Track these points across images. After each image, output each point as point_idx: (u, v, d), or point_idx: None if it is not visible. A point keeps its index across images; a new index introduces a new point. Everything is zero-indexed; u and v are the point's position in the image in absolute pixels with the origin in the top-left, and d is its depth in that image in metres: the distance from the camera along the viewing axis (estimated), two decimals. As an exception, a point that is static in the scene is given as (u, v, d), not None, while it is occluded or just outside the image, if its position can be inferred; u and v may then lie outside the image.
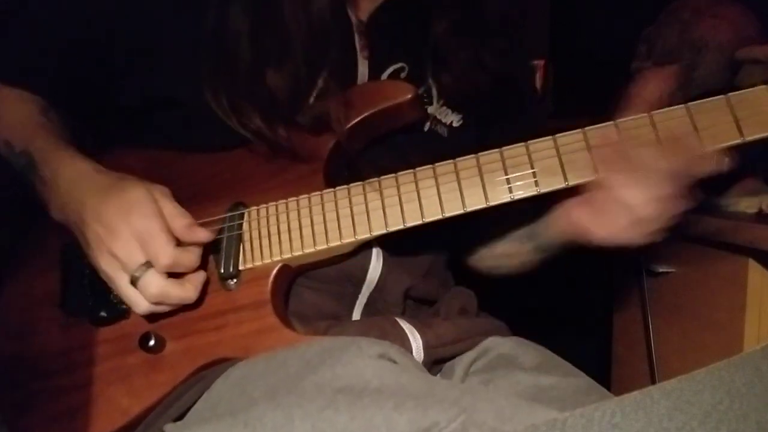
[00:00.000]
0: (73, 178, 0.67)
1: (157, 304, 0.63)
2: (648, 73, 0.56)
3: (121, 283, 0.62)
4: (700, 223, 1.05)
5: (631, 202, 0.61)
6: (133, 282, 0.61)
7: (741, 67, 1.19)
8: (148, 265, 0.61)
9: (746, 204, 1.08)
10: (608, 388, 0.69)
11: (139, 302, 0.62)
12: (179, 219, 0.63)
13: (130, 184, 0.64)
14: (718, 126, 0.58)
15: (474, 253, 0.89)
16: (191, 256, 0.63)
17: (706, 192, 1.15)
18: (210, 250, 0.68)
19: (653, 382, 1.19)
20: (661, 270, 1.17)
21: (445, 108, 0.78)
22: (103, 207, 0.63)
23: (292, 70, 0.67)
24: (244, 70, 0.68)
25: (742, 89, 0.59)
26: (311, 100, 0.69)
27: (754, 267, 0.98)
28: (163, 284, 0.61)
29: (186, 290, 0.63)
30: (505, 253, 0.87)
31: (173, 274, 0.63)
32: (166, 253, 0.61)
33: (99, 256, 0.63)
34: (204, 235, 0.64)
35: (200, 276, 0.65)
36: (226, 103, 0.68)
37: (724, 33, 1.25)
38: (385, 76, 0.75)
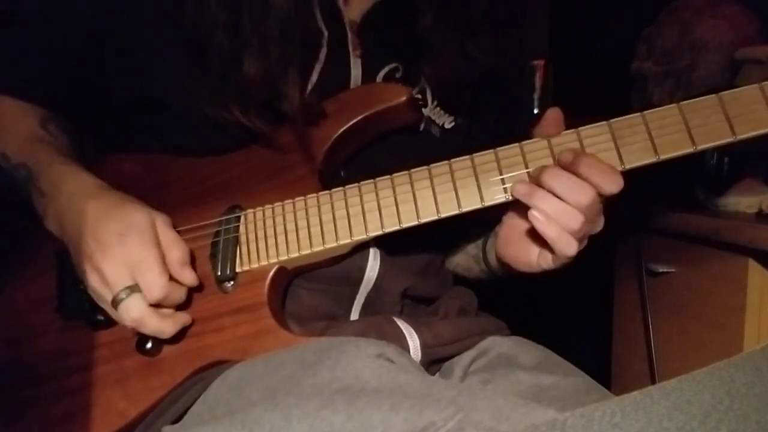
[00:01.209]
0: (74, 192, 0.67)
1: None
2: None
3: (106, 301, 0.62)
4: (700, 223, 1.05)
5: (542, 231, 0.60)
6: (114, 304, 0.61)
7: (741, 67, 1.19)
8: (133, 289, 0.61)
9: (746, 204, 1.08)
10: (608, 388, 0.69)
11: (121, 321, 0.63)
12: (175, 250, 0.63)
13: (133, 207, 0.64)
14: (710, 125, 0.59)
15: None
16: (180, 293, 0.64)
17: (706, 192, 1.15)
18: (207, 253, 0.68)
19: (653, 382, 1.19)
20: (661, 270, 1.17)
21: (439, 109, 0.79)
22: (102, 224, 0.63)
23: (266, 60, 0.67)
24: (220, 57, 0.67)
25: (741, 89, 0.59)
26: (305, 94, 0.69)
27: (754, 267, 0.98)
28: (144, 312, 0.61)
29: (165, 325, 0.62)
30: (461, 264, 0.88)
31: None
32: (159, 285, 0.61)
33: (88, 271, 0.62)
34: (191, 278, 0.64)
35: (184, 317, 0.64)
36: (205, 91, 0.68)
37: (724, 33, 1.25)
38: (380, 76, 0.75)
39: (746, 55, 1.17)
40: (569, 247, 0.60)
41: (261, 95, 0.67)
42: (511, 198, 0.62)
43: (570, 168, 0.59)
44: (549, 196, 0.59)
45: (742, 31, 1.25)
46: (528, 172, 0.62)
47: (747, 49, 1.18)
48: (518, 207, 0.64)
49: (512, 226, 0.68)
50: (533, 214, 0.59)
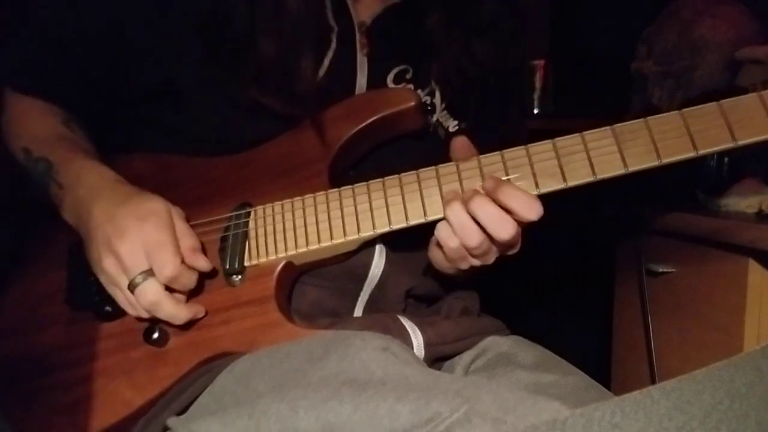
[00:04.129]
0: (93, 185, 0.68)
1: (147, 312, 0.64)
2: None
3: (120, 285, 0.63)
4: (700, 223, 1.05)
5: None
6: (131, 287, 0.62)
7: (741, 67, 1.19)
8: (149, 273, 0.62)
9: (746, 204, 1.08)
10: (608, 388, 0.69)
11: (132, 308, 0.64)
12: (188, 239, 0.65)
13: (150, 196, 0.66)
14: (711, 130, 0.60)
15: None
16: (192, 276, 0.65)
17: (706, 192, 1.16)
18: (216, 247, 0.69)
19: (653, 382, 1.19)
20: (661, 270, 1.17)
21: (446, 112, 0.80)
22: (119, 210, 0.64)
23: (281, 44, 0.68)
24: (238, 35, 0.69)
25: (742, 89, 0.60)
26: (318, 77, 0.71)
27: (754, 267, 0.98)
28: (160, 294, 0.63)
29: (179, 310, 0.64)
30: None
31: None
32: (172, 264, 0.62)
33: (103, 256, 0.63)
34: (204, 263, 0.65)
35: (199, 308, 0.66)
36: (222, 71, 0.69)
37: (724, 33, 1.25)
38: (390, 77, 0.76)
39: (746, 55, 1.17)
40: (462, 262, 0.64)
41: (276, 74, 0.68)
42: None
43: (492, 195, 0.61)
44: (462, 212, 0.61)
45: (742, 31, 1.25)
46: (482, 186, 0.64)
47: (747, 49, 1.18)
48: None
49: None
50: (439, 225, 0.63)
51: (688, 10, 1.32)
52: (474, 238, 0.61)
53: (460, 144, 0.66)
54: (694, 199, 1.18)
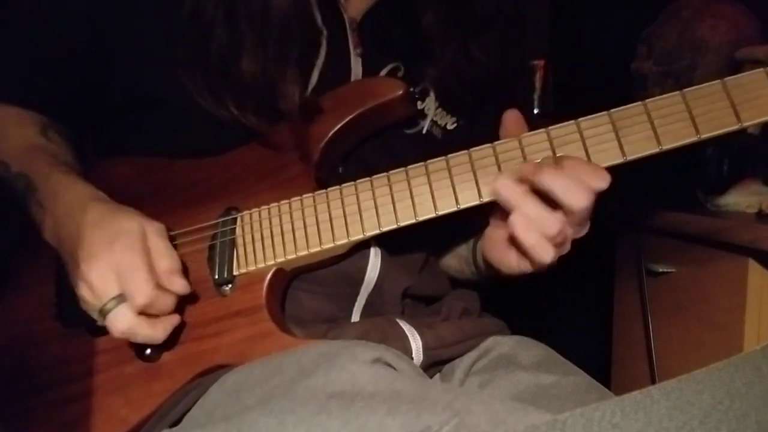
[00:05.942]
0: (72, 202, 0.66)
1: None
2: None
3: (95, 310, 0.61)
4: (700, 223, 1.05)
5: (525, 242, 0.59)
6: (103, 314, 0.60)
7: (741, 68, 1.19)
8: (121, 298, 0.59)
9: (746, 204, 1.08)
10: (608, 388, 0.69)
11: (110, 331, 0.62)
12: (165, 260, 0.61)
13: (125, 216, 0.63)
14: (714, 112, 0.57)
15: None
16: (168, 301, 0.61)
17: (706, 192, 1.16)
18: (205, 256, 0.68)
19: (653, 382, 1.19)
20: (661, 270, 1.17)
21: (441, 110, 0.78)
22: (93, 232, 0.61)
23: (264, 58, 0.67)
24: (218, 51, 0.67)
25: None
26: (305, 93, 0.69)
27: (754, 267, 0.98)
28: (133, 322, 0.60)
29: (156, 331, 0.61)
30: (452, 267, 0.87)
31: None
32: (144, 291, 0.59)
33: (78, 283, 0.61)
34: (182, 287, 0.62)
35: (173, 319, 0.63)
36: (202, 86, 0.67)
37: (724, 33, 1.25)
38: (381, 75, 0.75)
39: (746, 55, 1.17)
40: (546, 255, 0.59)
41: (259, 93, 0.67)
42: None
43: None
44: (534, 200, 0.58)
45: (742, 31, 1.25)
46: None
47: (747, 49, 1.18)
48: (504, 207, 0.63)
49: (498, 226, 0.66)
50: (513, 219, 0.59)
51: (688, 10, 1.32)
52: (554, 226, 0.57)
53: (512, 119, 0.62)
54: (694, 199, 1.18)
